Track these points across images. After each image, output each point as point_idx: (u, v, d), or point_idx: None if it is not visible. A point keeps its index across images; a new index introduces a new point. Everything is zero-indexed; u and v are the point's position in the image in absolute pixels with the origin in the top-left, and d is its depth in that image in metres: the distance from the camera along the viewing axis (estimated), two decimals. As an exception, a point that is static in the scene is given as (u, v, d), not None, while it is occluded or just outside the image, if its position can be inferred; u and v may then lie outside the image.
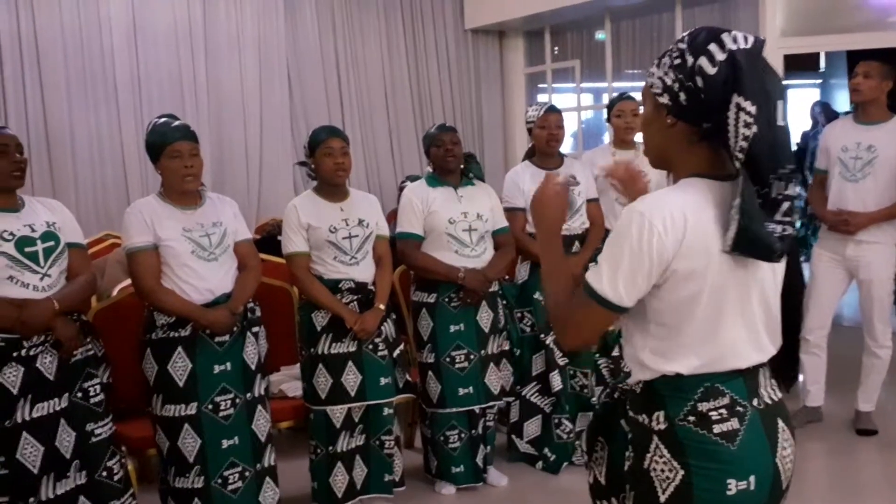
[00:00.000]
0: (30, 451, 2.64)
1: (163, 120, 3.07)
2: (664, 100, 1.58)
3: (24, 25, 5.92)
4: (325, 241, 3.38)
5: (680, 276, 1.53)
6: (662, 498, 1.55)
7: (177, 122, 3.06)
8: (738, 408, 1.57)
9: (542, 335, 3.88)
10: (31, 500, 2.65)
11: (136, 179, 6.36)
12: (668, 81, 1.57)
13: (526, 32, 8.26)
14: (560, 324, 1.67)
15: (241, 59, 6.86)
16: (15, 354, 2.64)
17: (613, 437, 1.76)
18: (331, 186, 3.46)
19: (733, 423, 1.55)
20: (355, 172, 3.61)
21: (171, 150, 2.98)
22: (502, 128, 8.36)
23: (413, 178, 4.56)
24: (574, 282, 1.66)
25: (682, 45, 1.55)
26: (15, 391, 2.63)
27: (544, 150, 3.96)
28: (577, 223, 3.93)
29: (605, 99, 7.08)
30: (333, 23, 7.28)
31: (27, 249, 2.69)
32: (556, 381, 3.88)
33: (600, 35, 7.80)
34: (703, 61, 1.51)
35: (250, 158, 6.96)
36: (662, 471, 1.56)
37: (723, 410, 1.56)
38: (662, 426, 1.57)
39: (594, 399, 3.94)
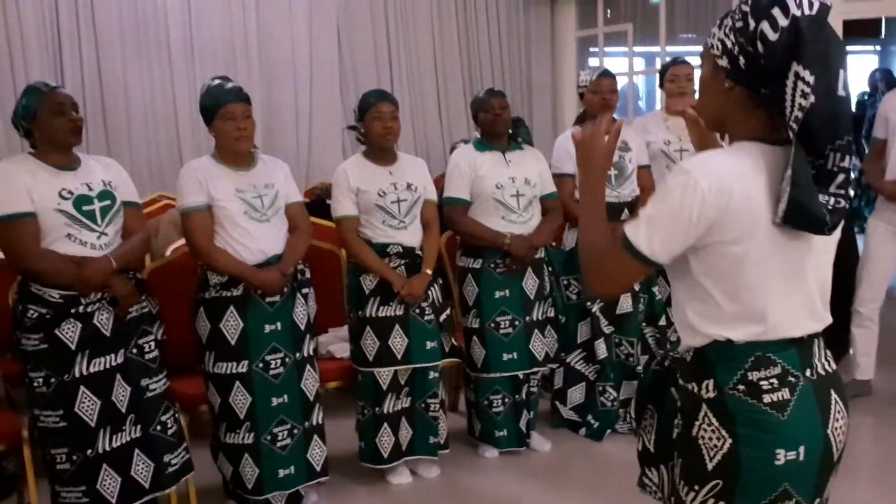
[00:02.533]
0: (87, 405, 2.72)
1: (216, 82, 3.10)
2: (723, 63, 1.56)
3: (80, -16, 6.00)
4: (373, 205, 3.40)
5: (727, 241, 1.51)
6: (710, 466, 1.55)
7: (230, 84, 3.08)
8: (790, 378, 1.55)
9: (589, 303, 3.87)
10: (89, 451, 2.74)
11: (188, 140, 6.43)
12: (729, 44, 1.54)
13: (578, -5, 8.14)
14: (590, 268, 1.65)
15: (292, 22, 6.86)
16: (73, 311, 2.70)
17: (662, 405, 1.76)
18: (380, 150, 3.48)
19: (784, 393, 1.54)
20: (403, 136, 3.63)
21: (224, 111, 3.02)
22: (551, 92, 8.26)
23: (467, 142, 4.55)
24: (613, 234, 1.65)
25: (746, 8, 1.52)
26: (73, 346, 2.70)
27: (597, 114, 3.90)
28: (626, 190, 3.89)
29: (659, 63, 6.95)
30: (383, -15, 7.24)
31: (85, 208, 2.74)
32: (601, 349, 3.87)
33: (655, -2, 7.65)
34: (765, 26, 1.47)
35: (300, 122, 6.99)
36: (710, 439, 1.55)
37: (774, 380, 1.54)
38: (712, 394, 1.57)
39: (639, 368, 3.94)
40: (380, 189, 3.41)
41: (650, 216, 1.53)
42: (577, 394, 3.99)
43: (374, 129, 3.41)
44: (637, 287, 3.85)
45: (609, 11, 8.04)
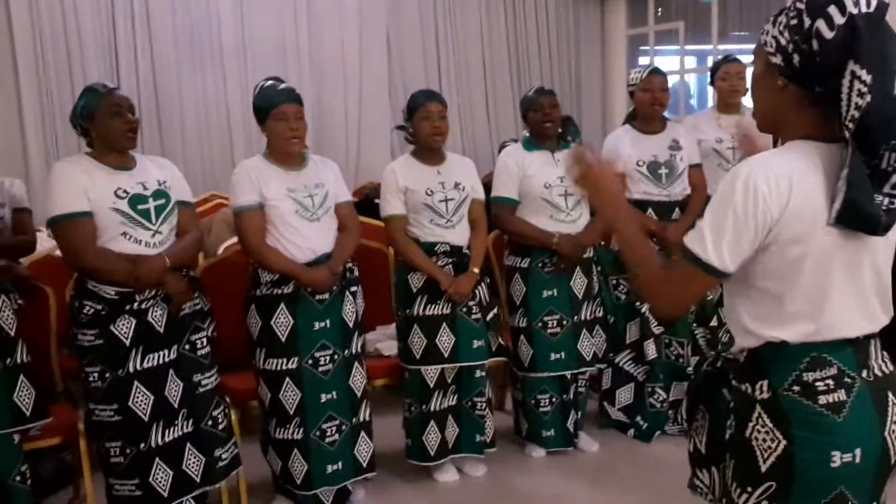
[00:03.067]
0: (141, 400, 2.77)
1: (269, 83, 3.14)
2: (777, 60, 1.53)
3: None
4: (421, 204, 3.42)
5: (784, 241, 1.48)
6: (763, 468, 1.53)
7: (283, 86, 3.12)
8: (846, 379, 1.52)
9: (638, 303, 3.83)
10: (142, 445, 2.78)
11: (240, 140, 6.54)
12: (783, 41, 1.51)
13: (628, -7, 8.09)
14: (654, 292, 1.63)
15: (342, 24, 6.93)
16: (128, 307, 2.75)
17: (714, 406, 1.73)
18: (428, 150, 3.49)
19: (840, 395, 1.51)
20: (451, 136, 3.64)
21: (277, 112, 3.05)
22: (601, 91, 8.22)
23: (516, 141, 4.54)
24: (674, 249, 1.63)
25: (801, 5, 1.49)
26: (127, 342, 2.75)
27: (647, 113, 3.87)
28: (678, 189, 3.84)
29: (710, 62, 6.86)
30: (433, -14, 7.29)
31: (140, 207, 2.79)
32: (650, 349, 3.84)
33: (706, -5, 7.55)
34: (821, 24, 1.45)
35: (349, 122, 7.06)
36: (764, 440, 1.53)
37: (829, 381, 1.51)
38: (766, 395, 1.54)
39: (689, 369, 3.89)
40: (428, 188, 3.42)
41: (713, 225, 1.50)
42: (625, 394, 3.96)
43: (423, 129, 3.43)
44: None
45: (660, 9, 7.97)
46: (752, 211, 1.47)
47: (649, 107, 3.84)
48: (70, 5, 5.95)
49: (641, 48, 8.23)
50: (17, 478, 2.85)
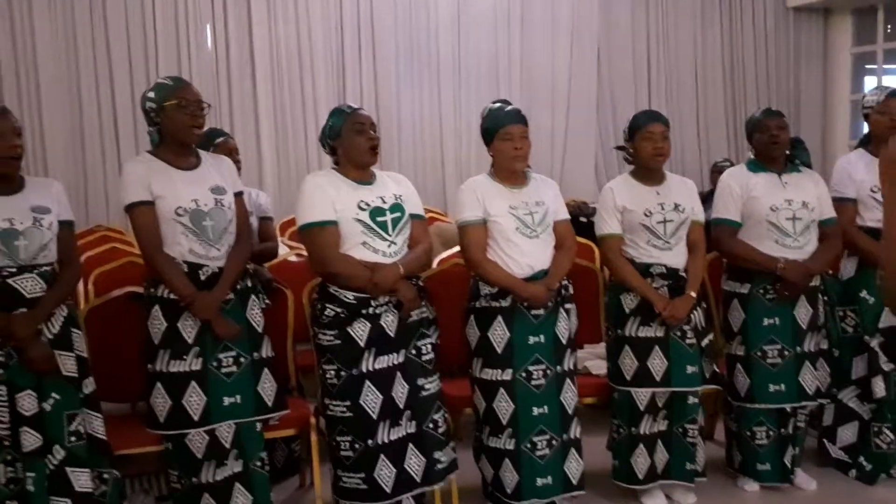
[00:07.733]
0: (371, 399, 2.96)
1: (497, 105, 3.28)
2: None
3: (362, 6, 6.53)
4: (639, 225, 3.41)
5: None
6: None
7: (509, 107, 3.26)
8: None
9: (867, 337, 3.62)
10: (370, 442, 2.96)
11: (451, 157, 6.77)
12: None
13: (855, 10, 7.63)
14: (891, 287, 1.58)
15: (554, 42, 7.03)
16: (364, 311, 2.95)
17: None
18: (648, 170, 3.48)
19: None
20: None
21: (503, 132, 3.19)
22: (822, 112, 7.81)
23: (726, 160, 4.42)
24: None
25: None
26: (362, 344, 2.95)
27: (884, 137, 3.63)
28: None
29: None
30: (647, 2, 7.22)
31: (378, 219, 3.00)
32: (878, 387, 3.61)
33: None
34: None
35: (555, 139, 7.14)
36: None
37: None
38: None
39: (923, 410, 3.62)
40: (646, 209, 3.41)
41: None
42: (848, 433, 3.75)
43: (645, 150, 3.42)
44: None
45: (890, 27, 7.46)
46: None
47: (887, 131, 3.63)
48: (304, 27, 6.43)
49: (868, 66, 7.74)
50: (258, 462, 3.11)
